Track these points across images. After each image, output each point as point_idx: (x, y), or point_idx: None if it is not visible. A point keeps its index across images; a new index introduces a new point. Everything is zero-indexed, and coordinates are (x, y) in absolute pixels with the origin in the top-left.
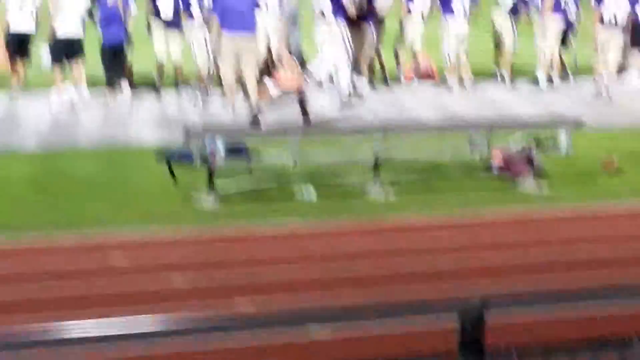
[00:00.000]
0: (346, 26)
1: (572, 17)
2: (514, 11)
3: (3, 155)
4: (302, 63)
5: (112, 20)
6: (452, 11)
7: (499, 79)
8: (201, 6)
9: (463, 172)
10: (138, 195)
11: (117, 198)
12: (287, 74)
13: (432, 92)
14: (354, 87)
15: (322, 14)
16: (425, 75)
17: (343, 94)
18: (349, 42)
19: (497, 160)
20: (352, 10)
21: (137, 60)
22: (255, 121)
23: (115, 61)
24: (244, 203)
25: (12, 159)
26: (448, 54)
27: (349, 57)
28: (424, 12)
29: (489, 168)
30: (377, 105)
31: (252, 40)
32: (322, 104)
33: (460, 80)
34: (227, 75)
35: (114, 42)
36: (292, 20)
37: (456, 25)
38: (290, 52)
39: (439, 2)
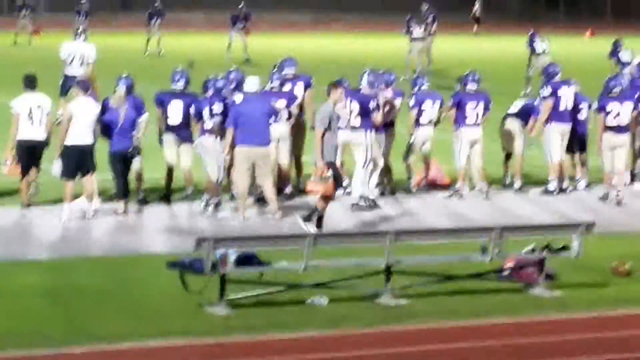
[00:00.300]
0: (371, 134)
1: (582, 122)
2: (523, 117)
3: (15, 265)
4: (337, 174)
5: (122, 128)
6: (465, 118)
7: (508, 184)
8: (211, 116)
9: (474, 276)
10: (150, 305)
11: (129, 309)
12: (317, 185)
13: (443, 198)
14: (371, 193)
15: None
16: (436, 182)
17: (359, 199)
18: (370, 149)
19: (507, 265)
20: (379, 118)
21: (148, 168)
22: (308, 219)
23: (125, 170)
24: (255, 309)
25: (24, 269)
26: (461, 161)
27: (367, 163)
28: (432, 120)
29: (499, 272)
30: (388, 211)
31: (266, 151)
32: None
33: (472, 186)
34: (241, 185)
35: (124, 150)
36: (330, 127)
37: (470, 132)
38: (327, 162)
39: (453, 110)
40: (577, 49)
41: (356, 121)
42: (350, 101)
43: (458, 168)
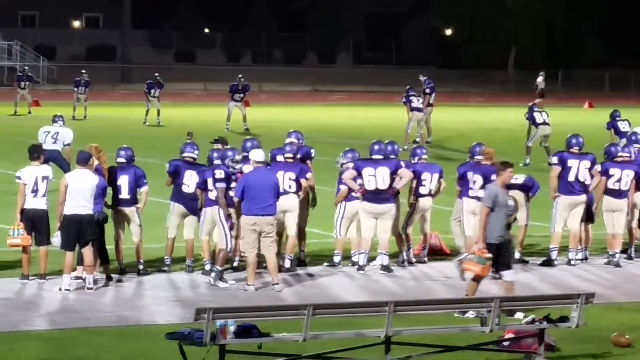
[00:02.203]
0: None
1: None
2: (525, 189)
3: (14, 336)
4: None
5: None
6: (469, 190)
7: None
8: (214, 182)
9: (474, 347)
10: None
11: None
12: (474, 265)
13: (443, 268)
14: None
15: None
16: (435, 252)
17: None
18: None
19: (507, 335)
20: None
21: (149, 239)
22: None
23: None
24: None
25: (23, 339)
26: (468, 230)
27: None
28: (432, 190)
29: (499, 343)
30: (387, 281)
31: (272, 219)
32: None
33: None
34: (249, 254)
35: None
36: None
37: (472, 204)
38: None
39: (457, 184)
40: (576, 119)
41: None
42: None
43: (466, 238)
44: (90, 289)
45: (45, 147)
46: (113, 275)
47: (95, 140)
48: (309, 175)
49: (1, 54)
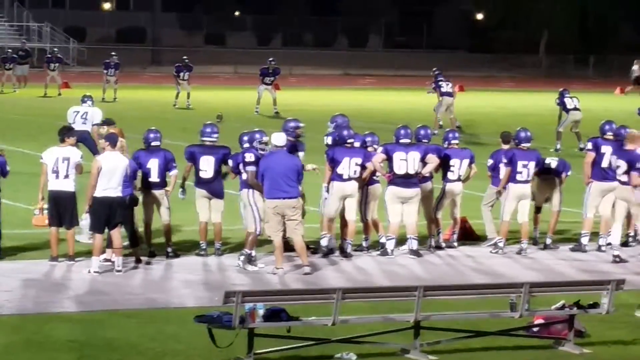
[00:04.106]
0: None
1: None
2: (558, 173)
3: (43, 318)
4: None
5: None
6: (516, 174)
7: (538, 239)
8: (245, 166)
9: (503, 332)
10: None
11: None
12: None
13: (473, 253)
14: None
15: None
16: (464, 237)
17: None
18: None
19: (537, 321)
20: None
21: (177, 222)
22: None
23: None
24: None
25: (52, 322)
26: (505, 216)
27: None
28: (461, 175)
29: (529, 328)
30: (416, 265)
31: (295, 202)
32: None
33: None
34: (275, 238)
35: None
36: None
37: (519, 189)
38: None
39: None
40: (607, 105)
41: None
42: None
43: (501, 223)
44: (120, 271)
45: (75, 127)
46: (142, 258)
47: (124, 122)
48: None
49: (31, 35)
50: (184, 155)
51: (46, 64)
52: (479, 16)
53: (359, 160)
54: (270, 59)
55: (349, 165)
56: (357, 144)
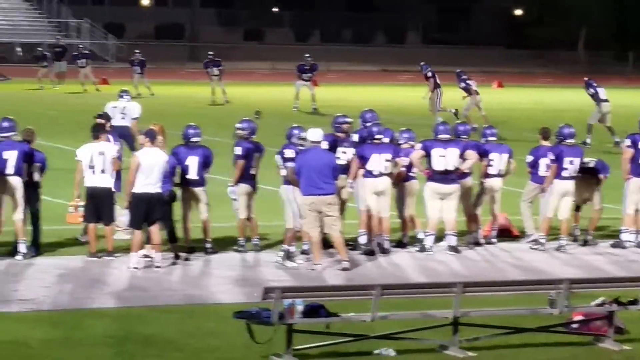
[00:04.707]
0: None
1: None
2: (596, 172)
3: (81, 314)
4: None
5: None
6: (562, 170)
7: (578, 236)
8: (284, 161)
9: (542, 329)
10: (216, 356)
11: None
12: None
13: (512, 249)
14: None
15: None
16: (504, 233)
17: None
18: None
19: (576, 318)
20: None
21: (216, 218)
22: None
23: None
24: None
25: (90, 317)
26: (548, 212)
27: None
28: (501, 171)
29: (568, 325)
30: (455, 262)
31: (331, 199)
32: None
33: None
34: (312, 234)
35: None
36: None
37: (563, 185)
38: None
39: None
40: None
41: None
42: None
43: (542, 219)
44: (159, 267)
45: (113, 123)
46: (181, 254)
47: (162, 118)
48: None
49: (71, 31)
50: (237, 152)
51: (74, 60)
52: (517, 12)
53: (389, 156)
54: (307, 55)
55: (378, 162)
56: (386, 140)
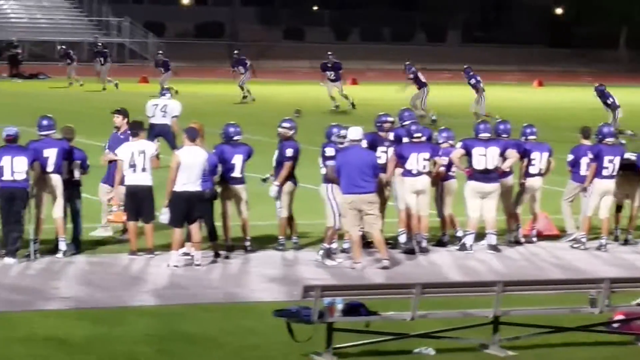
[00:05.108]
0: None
1: None
2: (637, 169)
3: (121, 312)
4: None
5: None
6: (602, 169)
7: (619, 236)
8: (325, 165)
9: (583, 328)
10: (256, 354)
11: (234, 357)
12: None
13: (552, 248)
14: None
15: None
16: (544, 233)
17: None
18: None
19: (617, 317)
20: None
21: (255, 216)
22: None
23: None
24: (362, 359)
25: (130, 315)
26: (588, 211)
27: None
28: (542, 169)
29: (609, 324)
30: (495, 261)
31: (371, 197)
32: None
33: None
34: (352, 233)
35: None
36: None
37: (604, 184)
38: None
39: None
40: None
41: None
42: None
43: (583, 218)
44: (199, 265)
45: (154, 121)
46: (221, 252)
47: (202, 117)
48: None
49: (111, 30)
50: (288, 154)
51: (96, 59)
52: (558, 10)
53: (427, 155)
54: (330, 53)
55: (416, 161)
56: (424, 139)
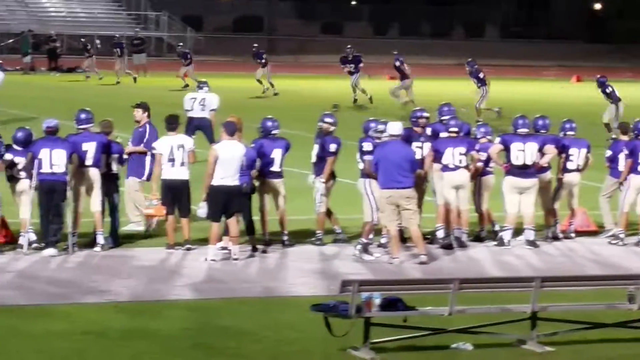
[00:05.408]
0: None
1: None
2: None
3: (158, 305)
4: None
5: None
6: (637, 165)
7: None
8: (363, 159)
9: (621, 324)
10: (293, 348)
11: (272, 352)
12: None
13: (590, 244)
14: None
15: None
16: (582, 229)
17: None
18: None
19: None
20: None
21: (292, 211)
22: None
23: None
24: (399, 353)
25: (167, 308)
26: (624, 207)
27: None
28: (580, 165)
29: None
30: (533, 256)
31: (409, 192)
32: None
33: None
34: (390, 227)
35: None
36: None
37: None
38: None
39: (629, 158)
40: None
41: None
42: None
43: (620, 214)
44: (236, 259)
45: (192, 114)
46: (258, 246)
47: (240, 111)
48: (477, 148)
49: (149, 24)
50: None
51: (115, 50)
52: (597, 6)
53: (463, 150)
54: (349, 46)
55: (452, 155)
56: (461, 134)
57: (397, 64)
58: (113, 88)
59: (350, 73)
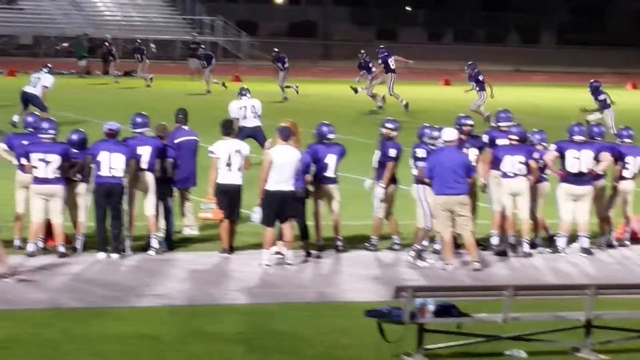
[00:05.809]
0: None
1: None
2: None
3: (212, 309)
4: None
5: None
6: None
7: None
8: (416, 165)
9: None
10: (346, 354)
11: (325, 357)
12: None
13: None
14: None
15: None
16: (637, 236)
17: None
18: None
19: None
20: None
21: (347, 216)
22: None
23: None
24: None
25: (221, 313)
26: None
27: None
28: (635, 173)
29: None
30: (587, 264)
31: (463, 199)
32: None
33: None
34: (444, 234)
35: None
36: None
37: None
38: None
39: None
40: None
41: None
42: None
43: None
44: (290, 264)
45: (246, 123)
46: (312, 252)
47: (294, 116)
48: (536, 155)
49: (204, 28)
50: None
51: (136, 54)
52: None
53: (522, 158)
54: (362, 51)
55: (511, 163)
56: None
57: (380, 61)
58: (165, 92)
59: (372, 78)
